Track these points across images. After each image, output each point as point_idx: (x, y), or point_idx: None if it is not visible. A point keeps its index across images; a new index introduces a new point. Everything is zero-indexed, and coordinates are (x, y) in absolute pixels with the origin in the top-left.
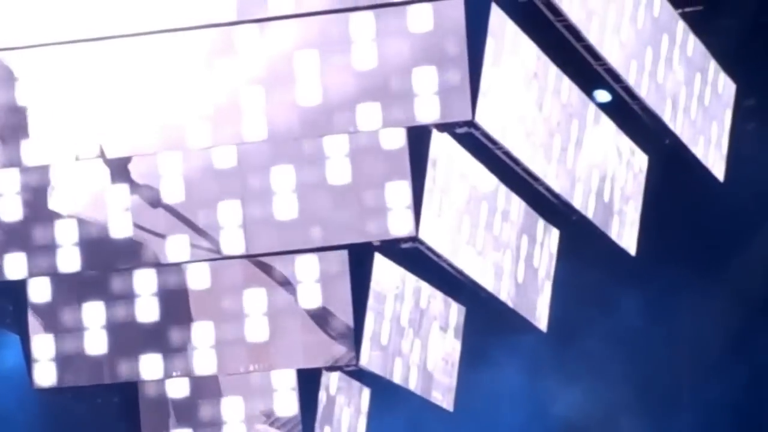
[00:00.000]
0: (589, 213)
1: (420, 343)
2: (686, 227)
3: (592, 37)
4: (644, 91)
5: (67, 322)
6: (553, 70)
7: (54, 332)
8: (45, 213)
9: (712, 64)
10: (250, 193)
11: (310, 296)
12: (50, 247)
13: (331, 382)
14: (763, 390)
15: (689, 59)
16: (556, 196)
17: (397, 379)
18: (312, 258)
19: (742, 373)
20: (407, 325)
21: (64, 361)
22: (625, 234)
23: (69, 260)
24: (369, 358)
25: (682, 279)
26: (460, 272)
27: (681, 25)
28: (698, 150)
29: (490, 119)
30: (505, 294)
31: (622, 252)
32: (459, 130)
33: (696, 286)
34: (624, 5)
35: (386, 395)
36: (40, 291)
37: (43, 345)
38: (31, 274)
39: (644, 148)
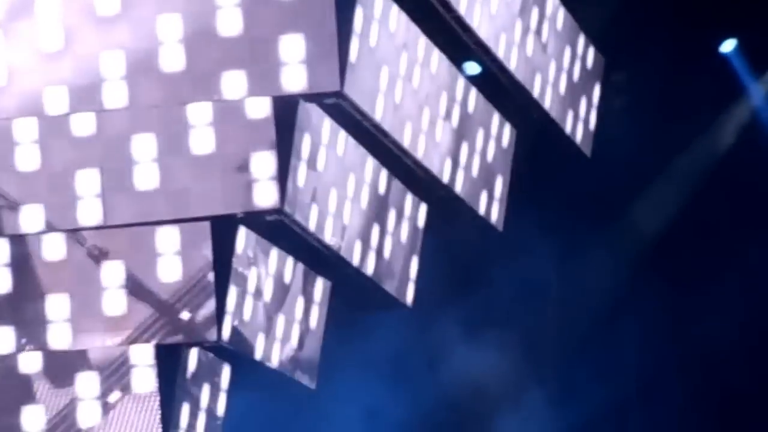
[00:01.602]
0: (457, 187)
1: (284, 318)
2: (554, 201)
3: (461, 8)
4: (513, 63)
5: None
6: (423, 41)
7: None
8: None
9: (582, 38)
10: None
11: (170, 269)
12: None
13: (191, 358)
14: (647, 342)
15: (558, 33)
16: (425, 169)
17: (259, 355)
18: (173, 230)
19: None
20: (270, 300)
21: None
22: (494, 209)
23: None
24: (230, 334)
25: (551, 253)
26: (326, 246)
27: None
28: (566, 125)
29: (358, 90)
30: (371, 268)
31: (491, 227)
32: (327, 101)
33: (565, 260)
34: None
35: (247, 372)
36: None
37: None
38: None
39: (512, 122)
